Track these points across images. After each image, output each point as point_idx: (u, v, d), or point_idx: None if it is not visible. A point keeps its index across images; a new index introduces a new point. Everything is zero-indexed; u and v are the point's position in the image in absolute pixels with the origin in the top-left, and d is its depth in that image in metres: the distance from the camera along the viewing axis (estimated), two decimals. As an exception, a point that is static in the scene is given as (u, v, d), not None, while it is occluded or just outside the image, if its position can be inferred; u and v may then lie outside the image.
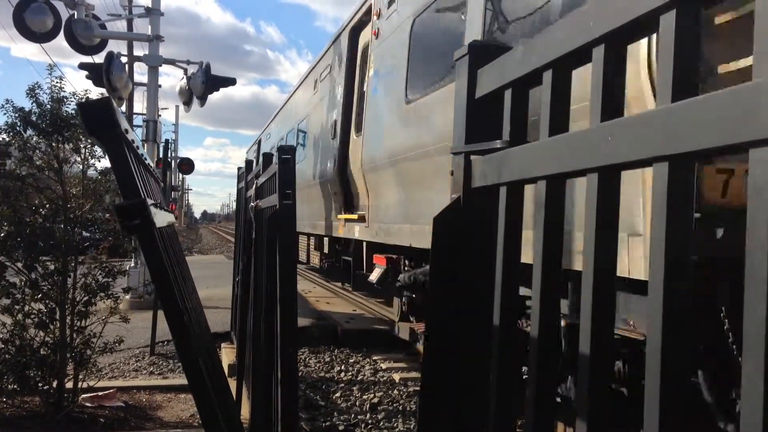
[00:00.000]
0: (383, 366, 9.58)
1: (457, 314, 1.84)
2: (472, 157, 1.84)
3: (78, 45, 13.57)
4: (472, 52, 1.85)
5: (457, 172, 1.90)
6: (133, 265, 13.97)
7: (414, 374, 8.78)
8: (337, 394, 8.20)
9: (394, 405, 7.79)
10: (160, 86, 15.39)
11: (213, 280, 17.43)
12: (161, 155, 13.70)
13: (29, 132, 6.97)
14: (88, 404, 7.41)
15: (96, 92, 12.81)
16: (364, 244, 11.16)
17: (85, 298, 7.06)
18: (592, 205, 1.26)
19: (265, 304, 4.37)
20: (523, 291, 1.87)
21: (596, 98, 1.27)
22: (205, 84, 14.14)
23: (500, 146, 1.67)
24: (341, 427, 7.00)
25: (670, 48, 1.06)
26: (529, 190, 1.59)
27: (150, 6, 15.12)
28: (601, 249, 1.26)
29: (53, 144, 6.94)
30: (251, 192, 7.23)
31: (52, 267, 6.92)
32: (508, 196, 1.64)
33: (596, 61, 1.28)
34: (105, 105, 1.54)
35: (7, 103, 7.11)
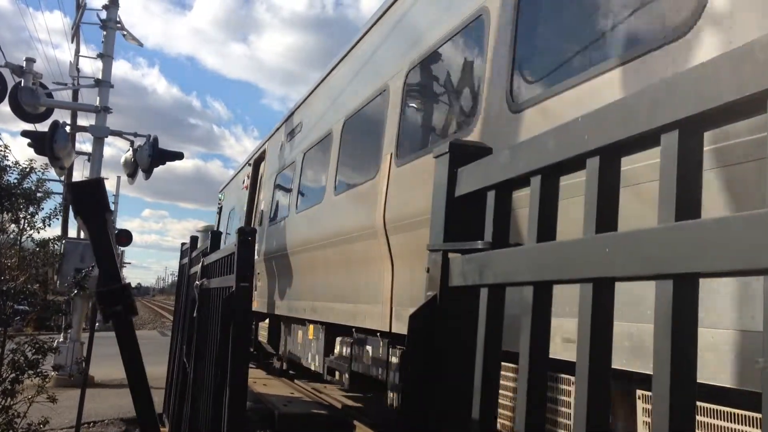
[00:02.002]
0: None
1: (433, 411, 1.79)
2: (450, 255, 1.83)
3: (23, 113, 13.31)
4: (452, 150, 1.86)
5: (434, 270, 1.88)
6: (62, 340, 13.36)
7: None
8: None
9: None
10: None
11: (146, 357, 16.74)
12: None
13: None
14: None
15: (40, 161, 12.50)
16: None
17: (12, 376, 6.66)
18: (586, 315, 1.25)
19: (212, 389, 4.19)
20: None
21: (591, 209, 1.28)
22: (151, 157, 13.97)
23: (482, 247, 1.66)
24: None
25: (673, 167, 1.08)
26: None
27: (100, 78, 15.03)
28: (597, 355, 1.24)
29: (-9, 213, 6.69)
30: (196, 269, 7.06)
31: (-22, 342, 6.54)
32: (490, 298, 1.62)
33: (591, 171, 1.29)
34: (96, 187, 1.48)
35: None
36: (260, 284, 13.03)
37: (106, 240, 1.58)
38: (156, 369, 14.09)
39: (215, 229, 17.72)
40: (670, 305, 1.04)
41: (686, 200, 1.06)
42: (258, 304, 13.18)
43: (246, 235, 3.78)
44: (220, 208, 18.72)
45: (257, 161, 14.81)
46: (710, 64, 1.01)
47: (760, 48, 0.91)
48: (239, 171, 16.74)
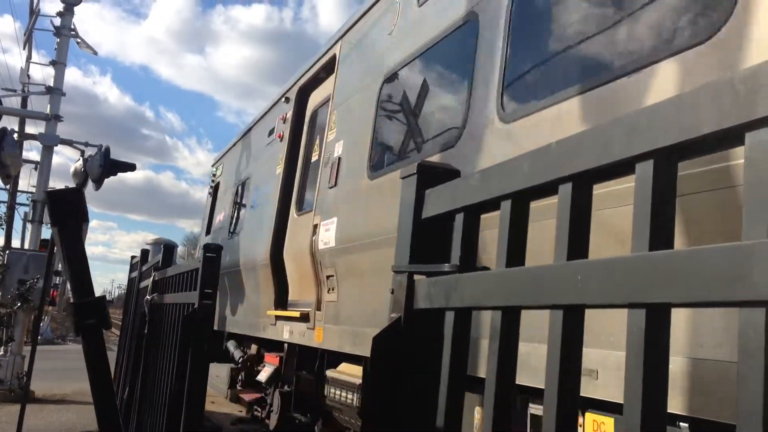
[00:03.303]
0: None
1: (391, 440, 1.76)
2: (416, 277, 1.81)
3: (-31, 117, 12.93)
4: (420, 172, 1.86)
5: (399, 292, 1.86)
6: (2, 354, 12.91)
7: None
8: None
9: None
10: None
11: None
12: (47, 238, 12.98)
13: None
14: None
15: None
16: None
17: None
18: (556, 341, 1.25)
19: (166, 408, 4.08)
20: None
21: (562, 235, 1.28)
22: (102, 168, 13.68)
23: (449, 270, 1.65)
24: None
25: (647, 196, 1.08)
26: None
27: (51, 85, 14.70)
28: (565, 382, 1.24)
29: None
30: (147, 283, 6.90)
31: None
32: (456, 322, 1.61)
33: (563, 197, 1.29)
34: (76, 196, 1.42)
35: None
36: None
37: (80, 250, 1.52)
38: (100, 385, 13.70)
39: (206, 216, 12.81)
40: (642, 334, 1.04)
41: (659, 230, 1.07)
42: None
43: (212, 251, 3.70)
44: (215, 187, 12.99)
45: (305, 90, 8.35)
46: (690, 95, 1.02)
47: (740, 80, 0.92)
48: (260, 118, 10.36)
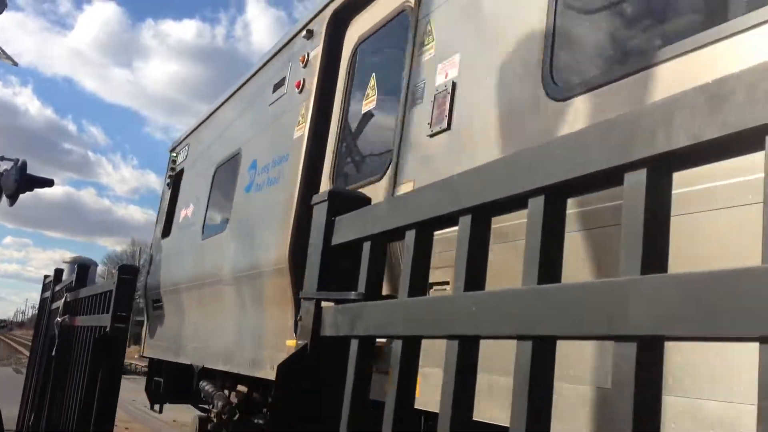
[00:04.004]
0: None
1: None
2: (324, 304, 1.81)
3: None
4: (331, 199, 1.86)
5: (306, 318, 1.85)
6: None
7: None
8: None
9: None
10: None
11: (-4, 396, 15.50)
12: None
13: None
14: None
15: None
16: None
17: None
18: (451, 372, 1.27)
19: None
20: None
21: (461, 266, 1.30)
22: (18, 183, 13.14)
23: (355, 298, 1.66)
24: None
25: (538, 231, 1.12)
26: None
27: (-32, 94, 14.12)
28: (458, 415, 1.25)
29: None
30: (59, 304, 6.64)
31: None
32: (360, 350, 1.61)
33: (462, 229, 1.32)
34: None
35: None
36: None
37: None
38: (8, 409, 13.09)
39: (163, 214, 9.92)
40: (529, 365, 1.07)
41: (548, 263, 1.10)
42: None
43: (127, 273, 3.60)
44: (176, 176, 10.03)
45: (341, 17, 5.88)
46: (581, 134, 1.06)
47: (624, 122, 0.96)
48: (254, 74, 7.59)
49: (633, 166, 0.95)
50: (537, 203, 1.13)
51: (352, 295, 1.67)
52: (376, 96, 5.08)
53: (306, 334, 1.82)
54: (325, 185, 5.36)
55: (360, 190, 3.99)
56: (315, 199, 1.93)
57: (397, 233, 1.55)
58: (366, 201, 1.88)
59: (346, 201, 1.86)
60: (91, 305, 4.68)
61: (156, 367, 9.65)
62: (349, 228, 1.78)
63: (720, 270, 0.77)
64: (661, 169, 0.93)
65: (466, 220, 1.31)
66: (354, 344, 1.64)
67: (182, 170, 9.85)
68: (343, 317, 1.68)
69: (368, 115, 5.20)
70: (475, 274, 1.29)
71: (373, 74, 5.21)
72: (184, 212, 9.19)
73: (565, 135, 1.12)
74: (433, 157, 3.98)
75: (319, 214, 1.89)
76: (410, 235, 1.50)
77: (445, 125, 3.86)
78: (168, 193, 10.25)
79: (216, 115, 8.86)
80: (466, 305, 1.23)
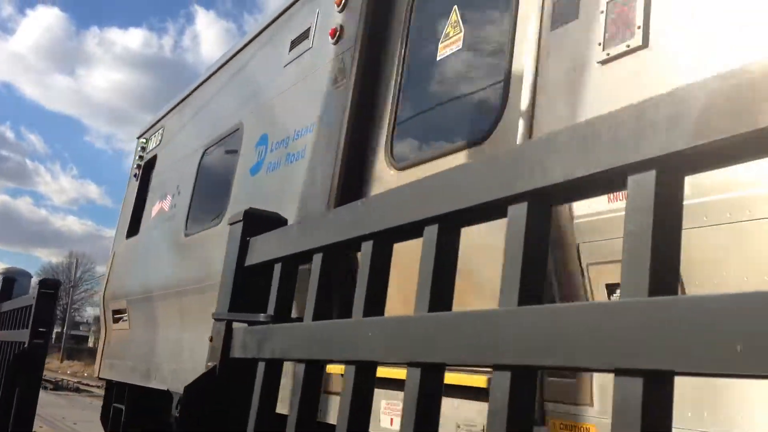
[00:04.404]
0: None
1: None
2: (235, 325, 1.80)
3: None
4: (246, 219, 1.86)
5: (217, 340, 1.83)
6: None
7: None
8: None
9: None
10: None
11: None
12: None
13: None
14: None
15: None
16: None
17: None
18: (347, 397, 1.27)
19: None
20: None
21: (360, 292, 1.31)
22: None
23: (264, 320, 1.65)
24: None
25: (431, 260, 1.14)
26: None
27: None
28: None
29: None
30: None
31: None
32: (266, 373, 1.60)
33: (364, 255, 1.33)
34: None
35: None
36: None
37: None
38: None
39: (128, 210, 8.48)
40: (416, 390, 1.08)
41: (440, 292, 1.12)
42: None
43: (48, 287, 3.50)
44: (146, 165, 8.54)
45: None
46: (468, 167, 1.09)
47: (509, 158, 0.98)
48: (261, 31, 6.23)
49: (515, 198, 0.97)
50: (431, 232, 1.15)
51: (261, 317, 1.66)
52: (462, 34, 3.83)
53: (215, 355, 1.80)
54: (380, 157, 4.06)
55: (444, 158, 3.42)
56: (231, 219, 1.92)
57: (307, 255, 1.56)
58: (282, 222, 1.88)
59: (262, 221, 1.86)
60: (14, 319, 4.54)
61: (117, 390, 7.85)
62: (262, 249, 1.77)
63: (579, 303, 0.80)
64: (541, 202, 0.96)
65: (367, 246, 1.33)
66: (261, 367, 1.63)
67: (155, 157, 8.19)
68: (251, 339, 1.67)
69: (449, 62, 3.88)
70: (374, 299, 1.30)
71: (455, 7, 3.91)
72: (157, 206, 7.61)
73: (459, 166, 1.15)
74: (609, 90, 2.73)
75: (235, 234, 1.88)
76: (317, 258, 1.50)
77: (636, 40, 2.60)
78: (135, 185, 8.57)
79: (202, 89, 7.35)
80: (363, 331, 1.23)
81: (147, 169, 8.46)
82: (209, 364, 1.82)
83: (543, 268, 0.96)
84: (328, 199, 4.17)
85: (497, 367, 0.94)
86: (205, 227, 5.96)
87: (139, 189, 8.42)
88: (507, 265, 0.97)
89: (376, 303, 1.30)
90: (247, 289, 1.87)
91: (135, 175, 8.72)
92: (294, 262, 1.65)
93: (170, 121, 8.14)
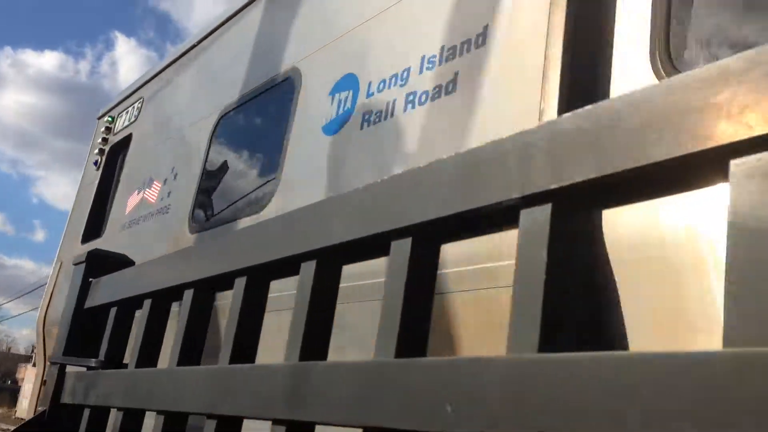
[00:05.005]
0: None
1: None
2: (68, 369, 1.74)
3: None
4: (90, 260, 1.82)
5: (50, 383, 1.77)
6: None
7: None
8: None
9: None
10: None
11: None
12: None
13: None
14: None
15: None
16: None
17: None
18: (158, 447, 1.25)
19: None
20: None
21: (178, 339, 1.30)
22: None
23: (95, 365, 1.61)
24: None
25: (236, 312, 1.14)
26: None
27: None
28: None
29: None
30: None
31: None
32: (90, 422, 1.55)
33: (185, 303, 1.33)
34: None
35: None
36: None
37: None
38: None
39: (87, 205, 6.59)
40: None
41: (243, 344, 1.13)
42: None
43: None
44: (110, 150, 6.72)
45: None
46: (348, 198, 1.05)
47: (387, 189, 0.94)
48: None
49: (399, 233, 0.88)
50: (240, 283, 1.16)
51: (92, 362, 1.62)
52: None
53: (46, 399, 1.74)
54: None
55: None
56: (75, 259, 1.87)
57: (139, 300, 1.53)
58: (127, 263, 1.85)
59: (106, 263, 1.82)
60: None
61: None
62: (101, 292, 1.74)
63: (375, 360, 0.81)
64: (428, 239, 0.87)
65: (188, 294, 1.32)
66: (86, 414, 1.58)
67: (128, 138, 6.54)
68: (80, 384, 1.62)
69: None
70: (190, 349, 1.29)
71: None
72: (135, 197, 5.90)
73: (338, 196, 1.07)
74: None
75: (77, 276, 1.83)
76: (147, 303, 1.48)
77: None
78: (95, 176, 6.85)
79: (214, 42, 5.77)
80: (173, 380, 1.22)
81: (114, 153, 6.70)
82: (39, 408, 1.75)
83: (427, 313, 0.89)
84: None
85: (292, 423, 0.94)
86: (230, 219, 4.28)
87: (101, 180, 6.65)
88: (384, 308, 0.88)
89: (191, 352, 1.29)
90: (92, 331, 1.82)
91: (95, 163, 6.88)
92: (128, 306, 1.62)
93: (154, 91, 6.50)
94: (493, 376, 0.67)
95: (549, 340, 0.66)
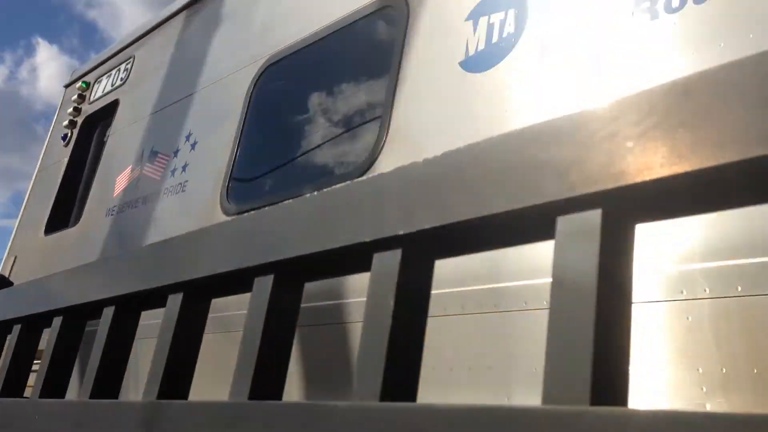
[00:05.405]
0: None
1: None
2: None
3: None
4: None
5: None
6: None
7: None
8: None
9: None
10: None
11: None
12: None
13: None
14: None
15: None
16: None
17: None
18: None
19: None
20: None
21: (43, 369, 1.25)
22: None
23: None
24: None
25: (102, 343, 1.10)
26: None
27: None
28: None
29: None
30: None
31: None
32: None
33: (53, 331, 1.27)
34: None
35: None
36: None
37: None
38: None
39: (51, 188, 5.37)
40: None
41: (105, 376, 1.09)
42: None
43: None
44: (85, 121, 5.53)
45: None
46: (214, 229, 1.02)
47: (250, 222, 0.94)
48: None
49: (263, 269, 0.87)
50: (108, 313, 1.12)
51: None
52: None
53: None
54: None
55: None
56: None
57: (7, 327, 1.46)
58: (8, 283, 1.76)
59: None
60: None
61: None
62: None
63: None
64: (291, 277, 0.86)
65: (57, 322, 1.27)
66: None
67: (113, 105, 5.37)
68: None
69: None
70: (58, 379, 1.24)
71: None
72: (127, 175, 4.75)
73: (210, 227, 1.05)
74: None
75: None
76: (16, 329, 1.41)
77: None
78: (64, 153, 5.66)
79: None
80: (36, 412, 1.17)
81: (91, 125, 5.62)
82: None
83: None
84: None
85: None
86: (299, 191, 2.91)
87: (72, 158, 5.53)
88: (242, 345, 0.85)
89: (61, 382, 1.24)
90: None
91: (64, 137, 5.71)
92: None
93: (153, 48, 5.30)
94: (339, 422, 0.67)
95: (391, 386, 0.65)
